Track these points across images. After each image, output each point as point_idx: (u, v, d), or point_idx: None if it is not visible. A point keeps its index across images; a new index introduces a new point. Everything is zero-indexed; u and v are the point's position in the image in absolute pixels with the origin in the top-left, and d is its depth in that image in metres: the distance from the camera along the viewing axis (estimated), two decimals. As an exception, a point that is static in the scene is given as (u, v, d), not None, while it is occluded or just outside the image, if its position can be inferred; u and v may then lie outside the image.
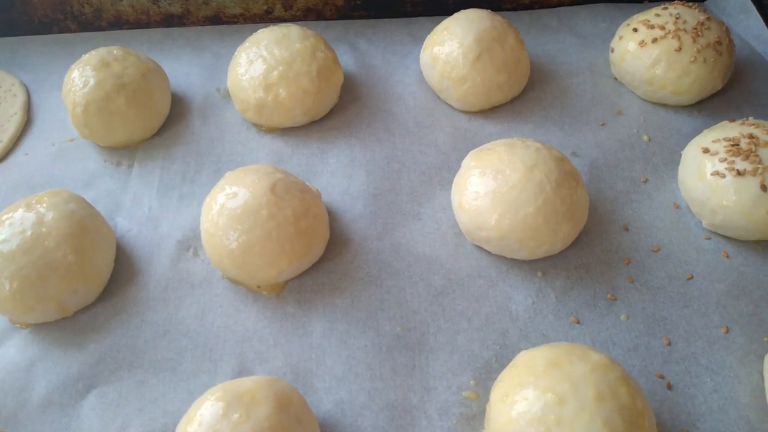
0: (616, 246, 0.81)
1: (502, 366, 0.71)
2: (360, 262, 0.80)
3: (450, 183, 0.86)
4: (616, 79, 1.00)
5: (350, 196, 0.87)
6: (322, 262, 0.80)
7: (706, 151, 0.80)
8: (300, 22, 1.10)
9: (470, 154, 0.82)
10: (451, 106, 0.96)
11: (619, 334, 0.74)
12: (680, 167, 0.85)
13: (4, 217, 0.74)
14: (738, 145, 0.78)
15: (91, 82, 0.88)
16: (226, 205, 0.74)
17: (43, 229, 0.73)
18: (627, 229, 0.83)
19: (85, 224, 0.76)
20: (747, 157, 0.76)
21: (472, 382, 0.70)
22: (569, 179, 0.75)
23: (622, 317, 0.75)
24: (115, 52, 0.92)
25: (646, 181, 0.87)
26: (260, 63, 0.90)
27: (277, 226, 0.73)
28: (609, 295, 0.77)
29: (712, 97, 0.96)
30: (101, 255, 0.77)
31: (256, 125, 0.95)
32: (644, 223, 0.83)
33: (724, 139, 0.80)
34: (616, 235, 0.82)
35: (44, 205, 0.75)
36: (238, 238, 0.72)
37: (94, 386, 0.71)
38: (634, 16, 0.99)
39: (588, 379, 0.60)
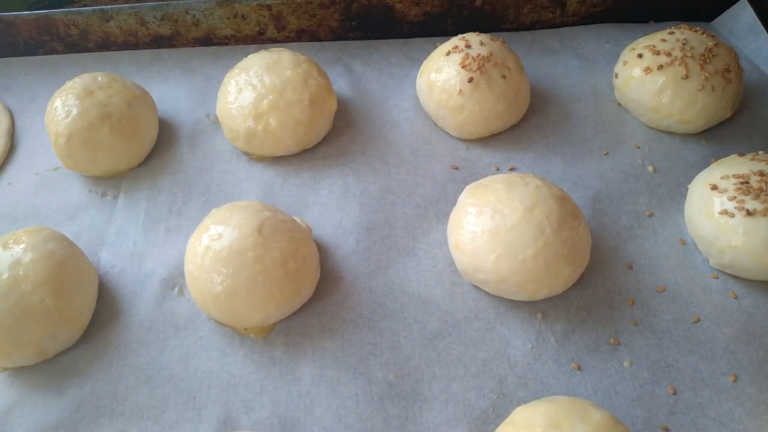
0: (619, 286, 0.78)
1: (499, 416, 0.67)
2: (352, 302, 0.77)
3: (446, 216, 0.83)
4: (620, 104, 0.96)
5: (343, 230, 0.83)
6: (312, 301, 0.77)
7: (714, 187, 0.77)
8: (293, 44, 1.07)
9: (467, 189, 0.79)
10: (449, 134, 0.93)
11: (622, 382, 0.70)
12: (687, 203, 0.81)
13: (-20, 257, 0.71)
14: (748, 182, 0.74)
15: (74, 111, 0.84)
16: (211, 247, 0.71)
17: (20, 272, 0.70)
18: (631, 267, 0.79)
19: (65, 265, 0.73)
20: (757, 196, 0.73)
21: (467, 435, 0.67)
22: (570, 219, 0.72)
23: (626, 363, 0.72)
24: (99, 78, 0.89)
25: (651, 215, 0.84)
26: (250, 91, 0.86)
27: (264, 269, 0.69)
28: (612, 339, 0.73)
29: (721, 125, 0.92)
30: (82, 297, 0.74)
31: (246, 154, 0.92)
32: (649, 261, 0.80)
33: (734, 176, 0.76)
34: (619, 274, 0.78)
35: (22, 245, 0.72)
36: (222, 282, 0.69)
37: (74, 435, 0.68)
38: (639, 40, 0.95)
39: (590, 441, 0.57)
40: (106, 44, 1.07)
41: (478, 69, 0.86)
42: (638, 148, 0.91)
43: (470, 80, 0.86)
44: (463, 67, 0.87)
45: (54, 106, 0.86)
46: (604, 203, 0.85)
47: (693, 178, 0.84)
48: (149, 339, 0.74)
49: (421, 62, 0.98)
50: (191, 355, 0.73)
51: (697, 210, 0.78)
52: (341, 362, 0.72)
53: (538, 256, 0.70)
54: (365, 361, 0.72)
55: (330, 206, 0.86)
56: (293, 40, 1.08)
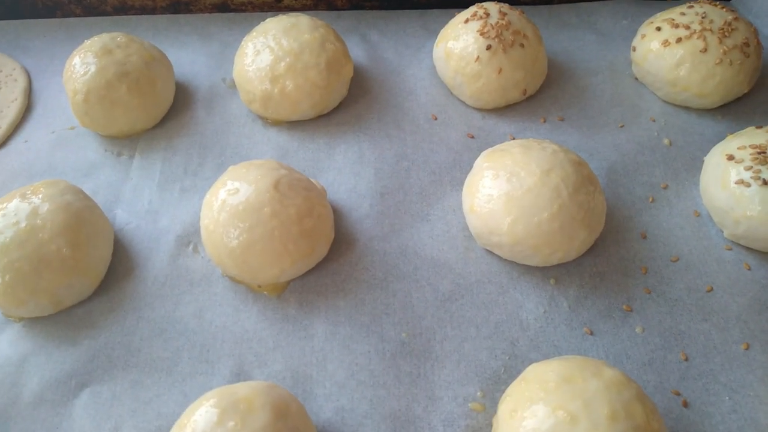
0: (633, 254, 0.78)
1: (511, 377, 0.68)
2: (365, 263, 0.77)
3: (461, 183, 0.83)
4: (636, 79, 0.96)
5: (357, 195, 0.84)
6: (325, 262, 0.77)
7: (730, 158, 0.77)
8: (310, 12, 1.07)
9: (483, 154, 0.79)
10: (465, 103, 0.93)
11: (633, 347, 0.71)
12: (702, 174, 0.81)
13: (-1, 207, 0.72)
14: (765, 153, 0.74)
15: (93, 69, 0.85)
16: (228, 202, 0.71)
17: (38, 221, 0.70)
18: (645, 237, 0.79)
19: (81, 217, 0.73)
20: (775, 166, 0.73)
21: (479, 394, 0.67)
22: (587, 184, 0.72)
23: (638, 329, 0.72)
24: (118, 38, 0.89)
25: (666, 187, 0.84)
26: (267, 53, 0.87)
27: (280, 224, 0.70)
28: (624, 306, 0.73)
29: (737, 100, 0.92)
30: (98, 249, 0.74)
31: (261, 118, 0.92)
32: (663, 231, 0.80)
33: (750, 146, 0.76)
34: (633, 243, 0.79)
35: (40, 195, 0.73)
36: (238, 236, 0.69)
37: (87, 384, 0.68)
38: (658, 14, 0.95)
39: (601, 397, 0.57)
40: (124, 8, 1.07)
41: (496, 36, 0.86)
42: (654, 121, 0.91)
43: (488, 47, 0.86)
44: (481, 34, 0.87)
45: (72, 63, 0.87)
46: (620, 174, 0.85)
47: (709, 151, 0.84)
48: (164, 293, 0.75)
49: (438, 33, 0.98)
50: (205, 310, 0.73)
51: (712, 181, 0.78)
52: (354, 320, 0.72)
53: (554, 219, 0.70)
54: (378, 320, 0.72)
55: (344, 171, 0.86)
56: (310, 8, 1.08)
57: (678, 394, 0.67)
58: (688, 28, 0.89)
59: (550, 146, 0.75)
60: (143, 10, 1.08)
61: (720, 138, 0.87)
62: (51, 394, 0.68)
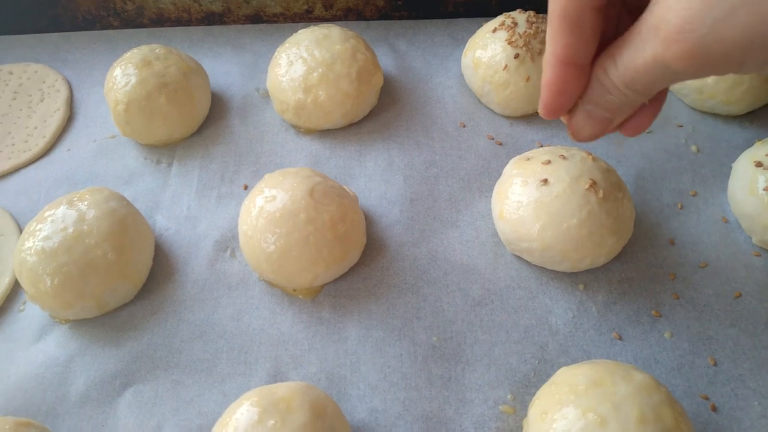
0: (661, 260, 0.79)
1: (541, 381, 0.69)
2: (396, 268, 0.79)
3: (490, 190, 0.85)
4: (663, 86, 0.97)
5: (387, 201, 0.86)
6: (358, 267, 0.79)
7: (758, 164, 0.77)
8: (340, 22, 1.09)
9: (512, 161, 0.80)
10: (493, 111, 0.94)
11: (662, 352, 0.72)
12: (730, 180, 0.82)
13: (47, 213, 0.75)
14: (794, 159, 0.75)
15: (133, 80, 0.88)
16: (265, 208, 0.73)
17: (85, 227, 0.73)
18: (673, 243, 0.80)
19: (125, 223, 0.76)
20: (804, 173, 0.73)
21: (509, 397, 0.69)
22: (615, 191, 0.73)
23: (666, 335, 0.73)
24: (157, 50, 0.92)
25: (695, 194, 0.84)
26: (300, 64, 0.89)
27: (315, 230, 0.72)
28: (653, 312, 0.74)
29: (765, 107, 0.92)
30: (140, 253, 0.77)
31: (294, 126, 0.94)
32: (691, 238, 0.81)
33: (779, 153, 0.76)
34: (661, 249, 0.79)
35: (86, 202, 0.76)
36: (275, 242, 0.72)
37: (131, 384, 0.71)
38: (685, 21, 0.96)
39: (631, 401, 0.58)
40: (160, 20, 1.11)
41: (524, 45, 0.88)
42: (681, 127, 0.91)
43: (516, 56, 0.87)
44: (509, 43, 0.88)
45: (114, 74, 0.90)
46: (647, 181, 0.86)
47: (737, 158, 0.84)
48: (203, 297, 0.78)
49: (466, 42, 1.00)
50: (243, 312, 0.76)
51: (740, 187, 0.79)
52: (386, 324, 0.74)
53: (583, 225, 0.71)
54: (409, 324, 0.74)
55: (375, 178, 0.88)
56: (340, 19, 1.10)
57: (707, 398, 0.68)
58: (715, 35, 0.89)
59: (579, 153, 0.76)
60: (179, 22, 1.11)
61: (748, 144, 0.88)
62: (96, 393, 0.71)
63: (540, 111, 0.51)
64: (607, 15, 0.47)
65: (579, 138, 0.53)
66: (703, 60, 0.38)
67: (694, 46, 0.38)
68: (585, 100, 0.50)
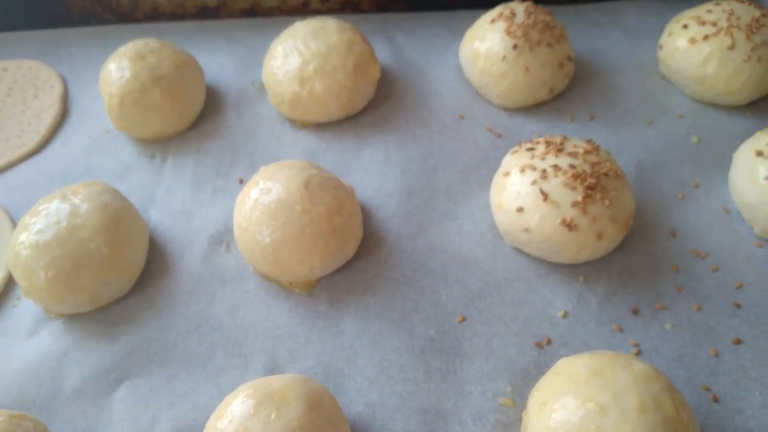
0: (662, 251, 0.78)
1: (540, 373, 0.68)
2: (394, 261, 0.78)
3: (488, 182, 0.84)
4: (664, 77, 0.96)
5: (384, 194, 0.85)
6: (354, 260, 0.78)
7: (759, 154, 0.76)
8: (337, 15, 1.08)
9: (511, 151, 0.80)
10: (491, 103, 0.94)
11: (663, 343, 0.71)
12: (731, 170, 0.81)
13: (41, 207, 0.74)
14: (796, 148, 0.74)
15: (128, 74, 0.87)
16: (260, 201, 0.73)
17: (78, 221, 0.73)
18: (674, 234, 0.79)
19: (119, 216, 0.75)
20: (806, 161, 0.72)
21: (508, 389, 0.68)
22: (615, 181, 0.72)
23: (667, 326, 0.72)
24: (151, 44, 0.92)
25: (696, 185, 0.83)
26: (296, 56, 0.88)
27: (311, 222, 0.71)
28: (654, 303, 0.73)
29: (766, 97, 0.91)
30: (134, 247, 0.76)
31: (290, 120, 0.94)
32: (692, 228, 0.80)
33: (781, 142, 0.76)
34: (662, 240, 0.78)
35: (79, 196, 0.75)
36: (271, 234, 0.71)
37: (126, 378, 0.70)
38: (685, 11, 0.95)
39: (631, 390, 0.57)
40: (155, 15, 1.10)
41: (523, 36, 0.87)
42: (682, 118, 0.91)
43: (515, 47, 0.87)
44: (507, 34, 0.87)
45: (108, 68, 0.89)
46: (648, 171, 0.85)
47: (737, 148, 0.83)
48: (198, 291, 0.77)
49: (463, 34, 0.98)
50: (238, 306, 0.75)
51: (741, 177, 0.78)
52: (383, 317, 0.73)
53: (582, 216, 0.70)
54: (407, 317, 0.73)
55: (372, 171, 0.87)
56: (337, 12, 1.10)
57: (708, 389, 0.67)
58: (715, 25, 0.89)
59: (579, 143, 0.75)
60: (173, 17, 1.10)
61: (749, 134, 0.86)
62: (91, 387, 0.70)
63: None
64: None
65: None
66: None
67: None
68: None
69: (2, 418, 0.61)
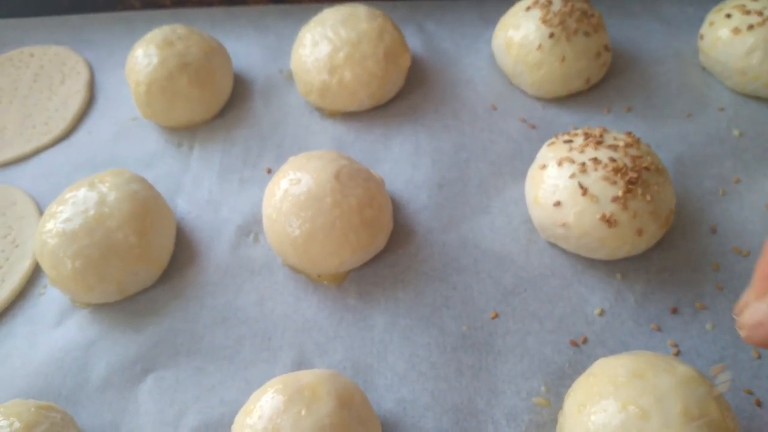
0: (702, 249, 0.75)
1: (576, 372, 0.66)
2: (424, 255, 0.76)
3: (522, 175, 0.81)
4: (704, 68, 0.93)
5: (414, 186, 0.83)
6: (384, 253, 0.76)
7: (808, 148, 0.73)
8: (366, 2, 1.06)
9: (546, 144, 0.77)
10: (525, 93, 0.91)
11: (703, 344, 0.68)
12: (776, 166, 0.78)
13: (68, 195, 0.74)
14: None
15: (155, 61, 0.86)
16: (290, 191, 0.71)
17: (106, 209, 0.72)
18: (715, 231, 0.76)
19: (146, 205, 0.74)
20: None
21: (543, 388, 0.66)
22: (656, 175, 0.70)
23: (708, 326, 0.69)
24: (178, 30, 0.90)
25: (737, 180, 0.80)
26: (325, 44, 0.86)
27: (341, 214, 0.70)
28: (694, 302, 0.71)
29: (812, 90, 0.88)
30: (162, 237, 0.75)
31: (318, 109, 0.92)
32: (733, 225, 0.77)
33: (831, 137, 0.72)
34: (703, 237, 0.76)
35: (107, 184, 0.74)
36: (301, 226, 0.70)
37: (152, 370, 0.70)
38: (726, 0, 0.91)
39: (674, 393, 0.55)
40: (182, 1, 1.09)
41: (559, 24, 0.84)
42: (723, 110, 0.87)
43: (551, 35, 0.84)
44: (543, 22, 0.85)
45: (135, 55, 0.88)
46: (688, 166, 0.82)
47: (782, 143, 0.80)
48: (225, 282, 0.76)
49: (495, 23, 0.96)
50: (266, 298, 0.74)
51: (788, 173, 0.75)
52: (414, 312, 0.72)
53: (622, 211, 0.67)
54: (438, 312, 0.72)
55: (402, 162, 0.85)
56: (366, -1, 1.07)
57: (750, 393, 0.65)
58: (760, 14, 0.85)
59: (619, 136, 0.73)
60: (200, 3, 1.09)
61: (793, 129, 0.84)
62: (117, 378, 0.69)
63: (751, 340, 0.49)
64: None
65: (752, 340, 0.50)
66: None
67: None
68: None
69: (31, 409, 0.60)
